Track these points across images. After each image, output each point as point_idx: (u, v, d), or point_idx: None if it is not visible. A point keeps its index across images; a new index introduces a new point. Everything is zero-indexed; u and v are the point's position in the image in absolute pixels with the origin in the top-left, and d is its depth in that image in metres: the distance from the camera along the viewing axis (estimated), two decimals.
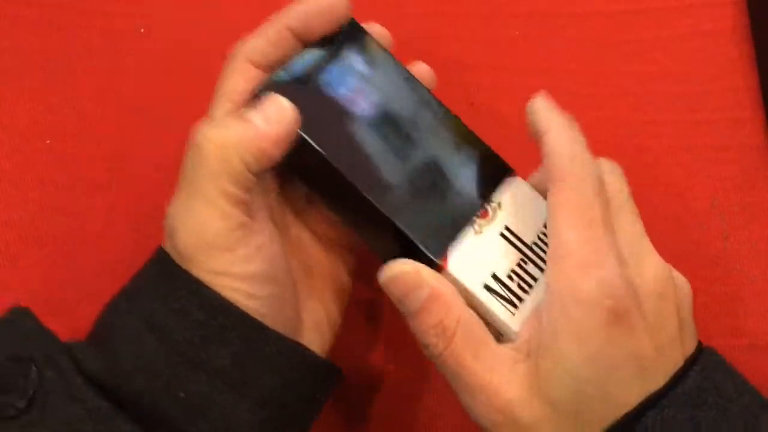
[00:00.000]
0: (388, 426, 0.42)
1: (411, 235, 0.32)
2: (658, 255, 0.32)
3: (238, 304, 0.30)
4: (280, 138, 0.31)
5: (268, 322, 0.31)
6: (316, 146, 0.32)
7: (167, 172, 0.44)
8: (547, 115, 0.33)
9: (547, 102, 0.33)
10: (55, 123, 0.43)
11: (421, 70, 0.37)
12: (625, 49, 0.44)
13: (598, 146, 0.44)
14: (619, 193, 0.32)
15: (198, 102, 0.45)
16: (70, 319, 0.42)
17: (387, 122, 0.34)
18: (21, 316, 0.33)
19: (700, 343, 0.32)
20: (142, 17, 0.46)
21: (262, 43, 0.34)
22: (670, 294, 0.30)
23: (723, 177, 0.43)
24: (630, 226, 0.31)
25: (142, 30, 0.46)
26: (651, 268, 0.30)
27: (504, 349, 0.30)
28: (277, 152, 0.31)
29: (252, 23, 0.45)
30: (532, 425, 0.29)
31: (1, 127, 0.43)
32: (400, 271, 0.31)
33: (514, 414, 0.29)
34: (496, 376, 0.29)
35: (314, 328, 0.35)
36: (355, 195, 0.32)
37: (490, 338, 0.31)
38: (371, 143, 0.33)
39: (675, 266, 0.42)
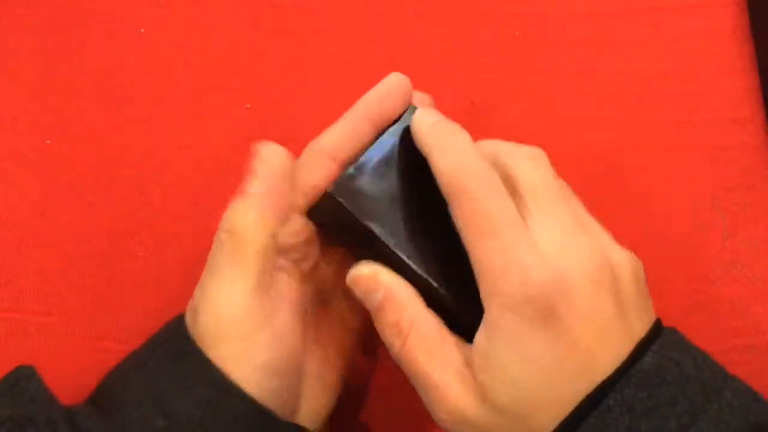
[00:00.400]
0: (388, 427, 0.42)
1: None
2: (595, 235, 0.31)
3: (246, 391, 0.30)
4: (277, 189, 0.33)
5: (270, 405, 0.31)
6: (382, 239, 0.32)
7: (167, 170, 0.44)
8: (423, 137, 0.33)
9: (421, 118, 0.33)
10: (55, 123, 0.43)
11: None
12: (625, 49, 0.44)
13: (598, 146, 0.44)
14: (540, 180, 0.31)
15: (197, 101, 0.45)
16: (68, 318, 0.42)
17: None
18: (25, 375, 0.33)
19: (658, 322, 0.31)
20: (142, 17, 0.46)
21: (337, 137, 0.34)
22: (605, 278, 0.29)
23: (723, 177, 0.43)
24: (551, 214, 0.30)
25: (143, 30, 0.46)
26: (580, 254, 0.29)
27: (458, 354, 0.30)
28: (281, 200, 0.33)
29: (251, 23, 0.45)
30: (482, 427, 0.29)
31: (1, 127, 0.43)
32: (359, 273, 0.32)
33: (463, 417, 0.29)
34: (445, 379, 0.30)
35: (313, 405, 0.35)
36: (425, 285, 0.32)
37: (447, 341, 0.31)
38: (433, 229, 0.33)
39: (675, 266, 0.42)
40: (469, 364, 0.30)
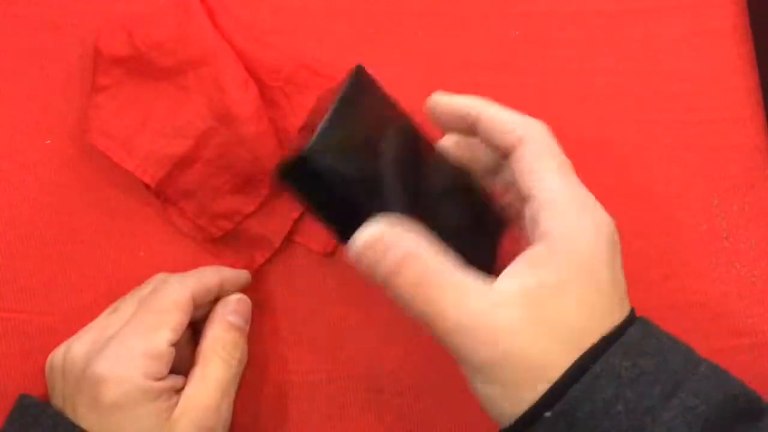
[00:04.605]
0: (384, 427, 0.42)
1: None
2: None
3: None
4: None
5: None
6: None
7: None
8: None
9: None
10: (55, 123, 0.43)
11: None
12: (625, 49, 0.44)
13: (598, 146, 0.44)
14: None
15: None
16: (68, 318, 0.42)
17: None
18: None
19: (632, 309, 0.33)
20: None
21: (202, 289, 0.40)
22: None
23: (723, 177, 0.43)
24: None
25: None
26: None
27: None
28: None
29: (251, 23, 0.45)
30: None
31: (1, 127, 0.43)
32: (371, 236, 0.31)
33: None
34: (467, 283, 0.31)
35: None
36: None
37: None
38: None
39: (674, 266, 0.42)
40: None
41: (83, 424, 0.35)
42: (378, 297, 0.41)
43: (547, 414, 0.29)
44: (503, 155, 0.35)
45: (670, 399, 0.29)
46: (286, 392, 0.42)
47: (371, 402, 0.42)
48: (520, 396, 0.30)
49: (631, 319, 0.31)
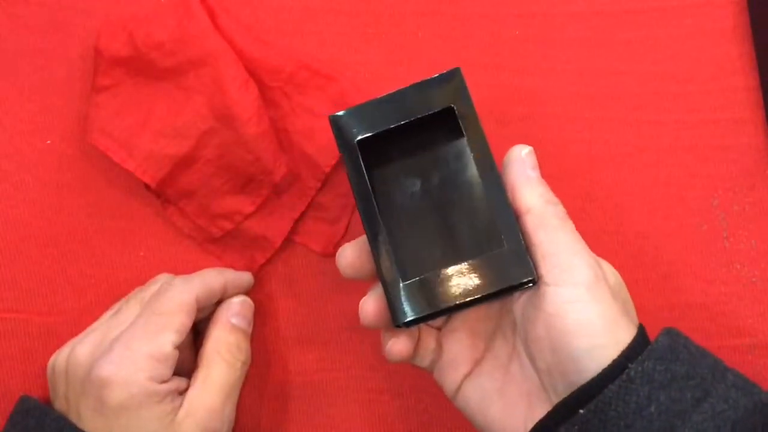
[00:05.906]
0: (384, 427, 0.42)
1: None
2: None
3: None
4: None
5: None
6: None
7: None
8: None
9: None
10: (55, 123, 0.43)
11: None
12: (625, 49, 0.44)
13: (598, 146, 0.44)
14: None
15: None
16: (68, 318, 0.42)
17: None
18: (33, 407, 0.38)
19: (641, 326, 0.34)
20: None
21: (206, 292, 0.40)
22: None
23: (723, 177, 0.43)
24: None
25: None
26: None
27: None
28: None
29: (251, 23, 0.45)
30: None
31: (1, 127, 0.43)
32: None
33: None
34: None
35: None
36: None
37: None
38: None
39: (674, 266, 0.42)
40: None
41: (88, 427, 0.35)
42: None
43: (582, 411, 0.30)
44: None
45: (701, 403, 0.30)
46: (287, 392, 0.43)
47: (371, 402, 0.42)
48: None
49: (643, 332, 0.33)
